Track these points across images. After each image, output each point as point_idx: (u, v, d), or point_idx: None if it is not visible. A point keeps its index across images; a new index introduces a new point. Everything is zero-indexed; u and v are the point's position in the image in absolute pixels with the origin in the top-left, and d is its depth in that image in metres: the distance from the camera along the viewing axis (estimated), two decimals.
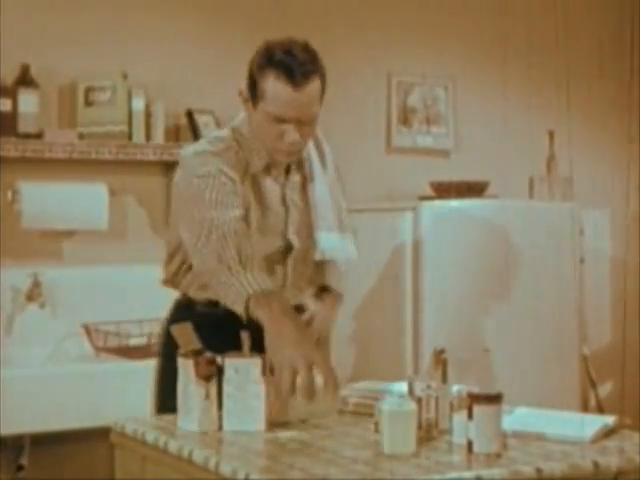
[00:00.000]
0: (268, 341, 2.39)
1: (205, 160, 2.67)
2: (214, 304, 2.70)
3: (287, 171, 2.81)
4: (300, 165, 2.84)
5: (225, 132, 2.80)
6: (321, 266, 2.95)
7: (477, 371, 4.08)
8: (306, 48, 2.62)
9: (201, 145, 2.78)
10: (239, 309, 2.47)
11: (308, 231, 2.83)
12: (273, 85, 2.59)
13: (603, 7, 5.62)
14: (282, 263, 2.80)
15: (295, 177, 2.82)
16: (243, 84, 2.70)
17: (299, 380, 2.31)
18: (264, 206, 2.75)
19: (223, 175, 2.63)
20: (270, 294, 2.46)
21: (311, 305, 2.89)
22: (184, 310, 2.85)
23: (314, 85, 2.61)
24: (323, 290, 2.97)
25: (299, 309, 2.80)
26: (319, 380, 2.34)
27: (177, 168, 2.77)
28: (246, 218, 2.67)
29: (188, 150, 2.77)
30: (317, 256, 2.82)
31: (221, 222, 2.55)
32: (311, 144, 2.84)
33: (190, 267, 2.78)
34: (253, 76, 2.64)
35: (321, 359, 2.34)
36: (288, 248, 2.79)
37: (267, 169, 2.76)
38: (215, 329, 2.63)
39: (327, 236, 2.83)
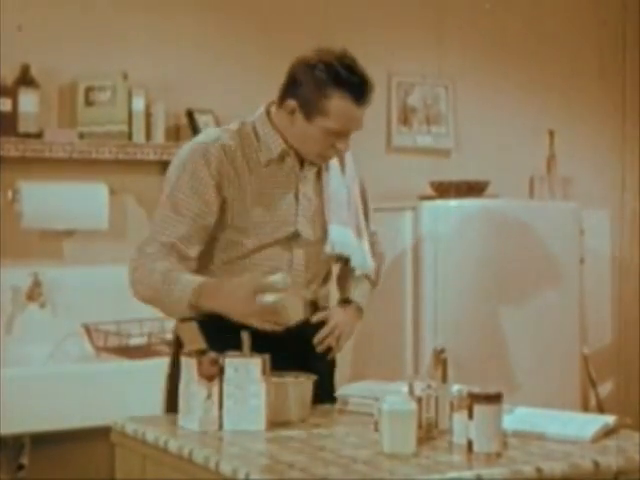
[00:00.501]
0: (230, 315, 2.55)
1: (207, 152, 2.71)
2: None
3: (302, 165, 2.83)
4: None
5: (232, 126, 2.83)
6: (347, 280, 3.00)
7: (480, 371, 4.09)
8: (359, 65, 2.74)
9: (210, 136, 2.79)
10: (193, 314, 2.62)
11: (321, 225, 2.84)
12: (339, 104, 2.67)
13: (603, 7, 5.62)
14: (288, 250, 2.79)
15: (310, 171, 2.84)
16: (275, 94, 2.76)
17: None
18: (276, 196, 2.77)
19: (186, 193, 2.69)
20: (199, 286, 2.58)
21: (332, 309, 2.91)
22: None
23: (370, 100, 2.74)
24: (346, 302, 2.99)
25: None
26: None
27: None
28: (231, 212, 2.72)
29: (195, 142, 2.80)
30: (327, 249, 2.83)
31: (144, 251, 2.67)
32: None
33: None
34: (312, 92, 2.67)
35: (259, 283, 2.50)
36: (296, 236, 2.80)
37: (282, 159, 2.79)
38: (218, 329, 2.63)
39: (339, 230, 2.84)
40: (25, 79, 4.14)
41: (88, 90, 4.26)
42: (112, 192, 4.27)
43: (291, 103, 2.70)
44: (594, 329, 5.30)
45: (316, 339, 2.84)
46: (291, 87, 2.71)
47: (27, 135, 4.11)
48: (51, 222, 4.17)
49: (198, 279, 2.62)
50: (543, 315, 4.61)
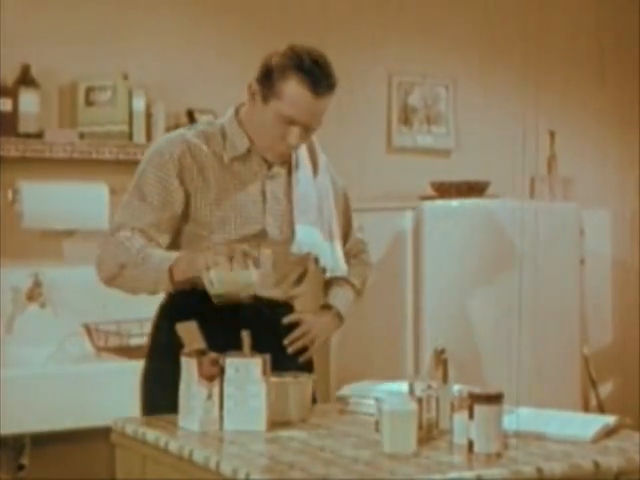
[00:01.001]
0: (194, 271, 2.60)
1: (162, 152, 2.78)
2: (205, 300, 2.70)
3: (270, 166, 2.85)
4: (284, 161, 2.87)
5: (199, 125, 2.92)
6: (330, 286, 3.00)
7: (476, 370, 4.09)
8: (328, 62, 2.73)
9: (177, 131, 2.89)
10: (164, 285, 2.68)
11: (289, 225, 2.85)
12: (295, 89, 2.67)
13: (604, 8, 5.62)
14: (257, 249, 2.80)
15: (278, 169, 2.86)
16: (252, 78, 2.78)
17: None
18: (243, 193, 2.80)
19: (154, 185, 2.76)
20: (178, 257, 2.66)
21: (306, 312, 2.91)
22: (170, 309, 2.86)
23: (329, 98, 2.72)
24: (324, 307, 3.00)
25: (274, 303, 2.84)
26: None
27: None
28: (197, 209, 2.77)
29: (162, 138, 2.91)
30: (294, 248, 2.84)
31: (119, 233, 2.74)
32: (304, 148, 2.90)
33: None
34: (271, 73, 2.71)
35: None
36: (263, 235, 2.82)
37: (248, 156, 2.81)
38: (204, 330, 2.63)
39: (305, 229, 2.84)
40: (25, 79, 4.14)
41: (88, 90, 4.26)
42: (112, 192, 4.26)
43: (253, 85, 2.76)
44: (594, 329, 5.30)
45: (287, 340, 2.84)
46: (258, 73, 2.76)
47: (27, 135, 4.11)
48: (51, 222, 4.17)
49: (177, 252, 2.71)
50: (543, 315, 4.61)
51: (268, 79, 2.71)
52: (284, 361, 2.74)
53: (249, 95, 2.77)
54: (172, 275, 2.65)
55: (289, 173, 2.88)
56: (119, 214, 2.80)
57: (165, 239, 2.77)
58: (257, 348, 2.52)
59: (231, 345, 2.51)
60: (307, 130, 2.74)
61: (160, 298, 2.92)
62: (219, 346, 2.51)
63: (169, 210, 2.76)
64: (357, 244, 3.07)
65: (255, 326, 2.57)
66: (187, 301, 2.75)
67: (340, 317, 2.99)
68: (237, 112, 2.85)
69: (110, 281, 2.79)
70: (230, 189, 2.79)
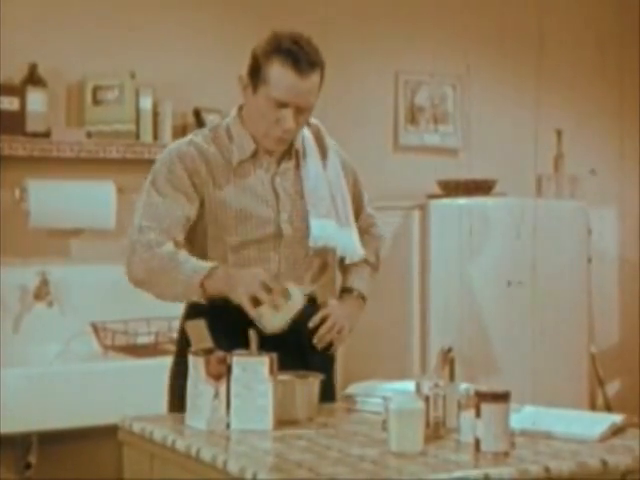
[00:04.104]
0: (232, 296, 2.64)
1: (174, 159, 2.80)
2: (223, 303, 2.71)
3: (279, 163, 2.86)
4: (292, 155, 2.88)
5: (206, 129, 2.93)
6: (347, 267, 3.00)
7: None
8: (310, 42, 2.77)
9: (184, 139, 2.90)
10: (195, 296, 2.69)
11: (303, 219, 2.85)
12: (278, 70, 2.71)
13: (611, 5, 5.61)
14: (275, 250, 2.83)
15: (287, 165, 2.87)
16: (243, 71, 2.81)
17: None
18: (254, 195, 2.81)
19: (172, 185, 2.77)
20: (212, 268, 2.68)
21: (329, 305, 2.91)
22: (192, 309, 2.86)
23: (315, 75, 2.75)
24: (345, 291, 3.00)
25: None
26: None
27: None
28: (210, 213, 2.79)
29: (171, 146, 2.91)
30: (310, 243, 2.84)
31: (147, 235, 2.73)
32: (310, 136, 2.91)
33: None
34: (257, 61, 2.76)
35: (268, 276, 2.64)
36: (279, 234, 2.83)
37: (256, 157, 2.83)
38: (224, 328, 2.64)
39: (319, 223, 2.85)
40: (33, 78, 4.15)
41: (96, 89, 4.27)
42: (119, 191, 4.27)
43: (243, 77, 2.79)
44: (602, 328, 5.29)
45: (316, 338, 2.84)
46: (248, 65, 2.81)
47: (35, 134, 4.12)
48: (59, 221, 4.17)
49: (210, 263, 2.72)
50: (551, 314, 4.61)
51: (255, 68, 2.76)
52: (312, 356, 2.81)
53: (241, 88, 2.81)
54: (204, 287, 2.67)
55: (297, 167, 2.88)
56: (139, 217, 2.79)
57: (182, 238, 2.78)
58: (283, 346, 2.55)
59: (262, 344, 2.52)
60: (300, 112, 2.75)
61: None
62: (244, 346, 2.52)
63: (186, 211, 2.77)
64: (367, 219, 3.08)
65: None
66: (214, 299, 2.76)
67: (363, 297, 3.00)
68: (240, 110, 2.87)
69: (139, 284, 2.79)
70: (241, 191, 2.80)
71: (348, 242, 2.92)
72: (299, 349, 2.78)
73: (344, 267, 3.02)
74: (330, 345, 2.88)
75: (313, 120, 2.94)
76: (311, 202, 2.85)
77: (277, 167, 2.85)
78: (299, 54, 2.71)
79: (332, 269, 3.02)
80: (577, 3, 5.52)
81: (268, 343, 2.52)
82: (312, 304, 2.88)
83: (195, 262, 2.71)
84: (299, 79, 2.71)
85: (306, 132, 2.90)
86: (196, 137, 2.86)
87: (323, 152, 2.93)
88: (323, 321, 2.85)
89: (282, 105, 2.72)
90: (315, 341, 2.84)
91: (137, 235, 2.75)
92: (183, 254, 2.72)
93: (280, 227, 2.82)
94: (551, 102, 5.38)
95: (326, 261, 2.95)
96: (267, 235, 2.81)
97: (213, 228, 2.80)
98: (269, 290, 2.59)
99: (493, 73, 5.28)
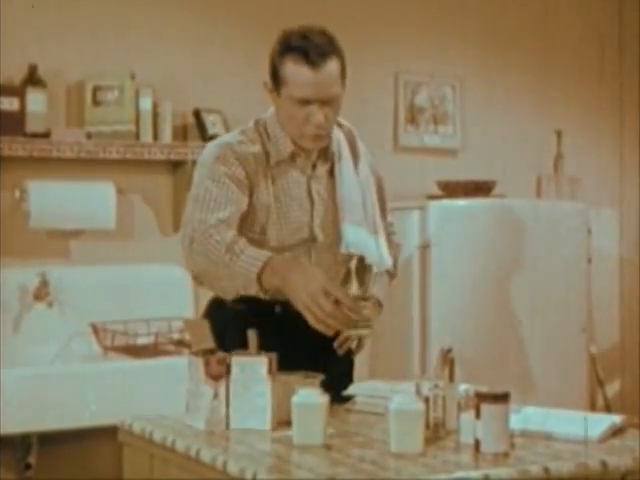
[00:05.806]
0: (292, 299, 2.55)
1: (220, 156, 2.75)
2: (243, 302, 2.70)
3: (314, 165, 2.84)
4: (327, 158, 2.87)
5: (250, 124, 2.87)
6: (366, 274, 2.96)
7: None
8: (322, 32, 2.75)
9: (224, 138, 2.87)
10: (254, 290, 2.59)
11: (334, 225, 2.84)
12: (292, 68, 2.70)
13: (613, 6, 5.61)
14: (307, 254, 2.82)
15: (322, 169, 2.86)
16: (267, 77, 2.79)
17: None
18: (289, 197, 2.80)
19: (227, 177, 2.72)
20: (269, 260, 2.58)
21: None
22: (216, 308, 2.85)
23: (332, 65, 2.71)
24: (364, 298, 2.98)
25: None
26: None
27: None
28: (251, 213, 2.74)
29: (211, 144, 2.85)
30: (342, 249, 2.83)
31: (206, 224, 2.65)
32: (343, 139, 2.90)
33: None
34: (274, 64, 2.75)
35: (333, 286, 2.55)
36: (313, 240, 2.82)
37: (293, 159, 2.81)
38: (245, 327, 2.62)
39: (353, 229, 2.83)
40: (32, 79, 4.15)
41: (95, 90, 4.27)
42: (119, 192, 4.27)
43: (267, 82, 2.78)
44: (601, 329, 5.30)
45: (336, 343, 2.83)
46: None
47: (34, 135, 4.12)
48: (58, 222, 4.17)
49: (266, 253, 2.62)
50: (550, 314, 4.61)
51: (273, 71, 2.75)
52: (333, 360, 2.81)
53: (268, 93, 2.79)
54: (261, 281, 2.59)
55: (331, 171, 2.86)
56: (197, 210, 2.70)
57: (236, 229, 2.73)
58: (304, 349, 2.62)
59: (283, 345, 2.52)
60: (326, 104, 2.71)
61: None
62: (270, 346, 2.50)
63: (240, 203, 2.72)
64: (388, 227, 3.07)
65: (303, 327, 2.58)
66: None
67: (380, 304, 2.99)
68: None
69: (199, 278, 2.73)
70: (278, 192, 2.78)
71: (378, 251, 2.90)
72: (320, 353, 2.76)
73: (362, 271, 2.99)
74: (350, 351, 2.88)
75: (346, 123, 2.93)
76: (345, 207, 2.83)
77: (312, 170, 2.84)
78: (308, 48, 2.68)
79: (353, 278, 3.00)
80: (577, 4, 5.53)
81: (288, 346, 2.53)
82: None
83: (251, 253, 2.61)
84: (313, 73, 2.68)
85: (340, 135, 2.89)
86: (232, 139, 2.81)
87: (355, 156, 2.92)
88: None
89: (306, 102, 2.70)
90: (336, 346, 2.83)
91: (196, 228, 2.67)
92: (240, 245, 2.62)
93: (314, 232, 2.81)
94: (551, 103, 5.38)
95: (349, 269, 2.94)
96: (301, 240, 2.80)
97: (249, 226, 2.76)
98: (329, 295, 2.52)
99: (493, 74, 5.28)
